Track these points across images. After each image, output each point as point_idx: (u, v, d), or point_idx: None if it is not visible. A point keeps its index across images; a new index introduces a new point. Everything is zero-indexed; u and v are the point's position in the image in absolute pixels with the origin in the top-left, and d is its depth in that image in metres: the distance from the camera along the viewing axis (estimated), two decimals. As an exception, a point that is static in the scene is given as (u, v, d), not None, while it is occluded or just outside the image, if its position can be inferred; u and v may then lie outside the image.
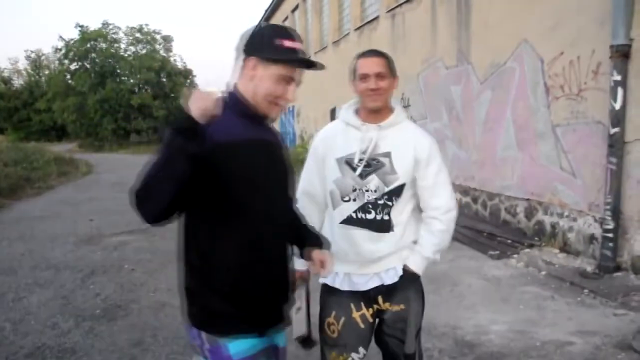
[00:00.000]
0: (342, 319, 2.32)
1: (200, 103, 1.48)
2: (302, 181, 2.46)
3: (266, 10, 27.00)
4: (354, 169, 2.29)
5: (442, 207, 2.33)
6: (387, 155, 2.29)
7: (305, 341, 2.25)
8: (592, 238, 6.00)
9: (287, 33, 1.73)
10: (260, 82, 1.70)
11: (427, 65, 9.90)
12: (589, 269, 5.71)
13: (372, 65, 2.26)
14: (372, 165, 2.28)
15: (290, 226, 1.94)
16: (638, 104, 5.38)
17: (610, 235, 5.55)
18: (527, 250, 6.51)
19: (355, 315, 2.31)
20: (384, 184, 2.27)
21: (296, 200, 2.45)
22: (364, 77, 2.26)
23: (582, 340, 4.04)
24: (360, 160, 2.28)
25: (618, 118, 5.48)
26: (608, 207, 5.57)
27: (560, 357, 3.79)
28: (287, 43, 1.70)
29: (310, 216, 2.40)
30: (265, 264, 1.75)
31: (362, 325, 2.32)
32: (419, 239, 2.36)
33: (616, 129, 5.49)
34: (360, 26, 13.83)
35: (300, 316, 2.26)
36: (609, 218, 5.55)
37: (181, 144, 1.44)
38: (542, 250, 6.48)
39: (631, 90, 5.44)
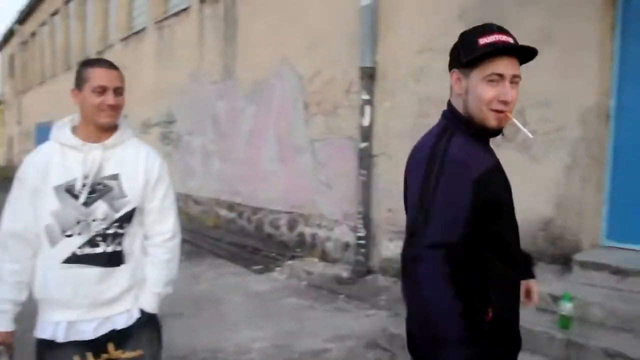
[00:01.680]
0: None
1: None
2: (6, 219, 2.02)
3: (20, 12, 24.24)
4: (77, 197, 1.97)
5: (167, 232, 2.14)
6: (115, 177, 2.03)
7: None
8: (347, 245, 6.37)
9: (486, 29, 1.54)
10: (468, 93, 1.55)
11: (194, 79, 9.72)
12: (345, 274, 6.02)
13: (111, 78, 2.00)
14: (98, 190, 2.00)
15: None
16: (382, 121, 5.89)
17: (363, 242, 5.95)
18: (289, 262, 6.65)
19: None
20: (113, 211, 2.01)
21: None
22: (101, 89, 1.97)
23: (337, 346, 4.17)
24: (84, 185, 1.98)
25: (366, 134, 5.93)
26: (360, 216, 5.96)
27: (317, 365, 3.86)
28: (482, 40, 1.51)
29: (19, 261, 1.98)
30: (517, 301, 1.68)
31: None
32: (147, 274, 2.13)
33: (365, 144, 5.93)
34: (127, 37, 13.09)
35: None
36: (361, 226, 5.95)
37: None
38: (304, 261, 6.67)
39: (376, 108, 5.94)
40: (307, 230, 7.02)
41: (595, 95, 4.30)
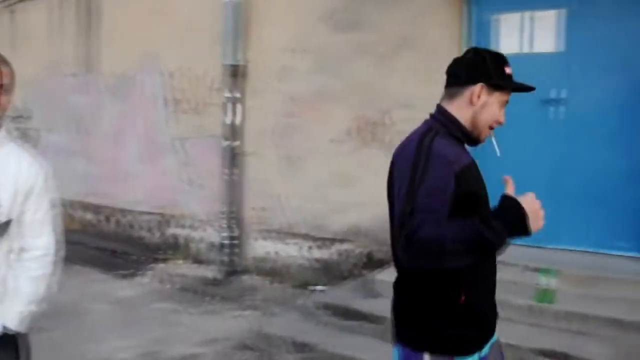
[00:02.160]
0: None
1: (540, 222, 1.51)
2: None
3: None
4: None
5: (39, 249, 2.02)
6: None
7: None
8: (213, 246, 6.33)
9: (505, 59, 1.78)
10: (484, 108, 1.73)
11: (50, 72, 9.00)
12: (212, 276, 5.98)
13: None
14: None
15: None
16: (247, 119, 5.91)
17: (230, 242, 5.96)
18: (154, 265, 6.46)
19: None
20: None
21: None
22: None
23: (206, 350, 4.15)
24: None
25: (231, 132, 5.92)
26: (226, 215, 5.95)
27: (187, 371, 3.81)
28: (508, 70, 1.76)
29: None
30: (491, 284, 1.82)
31: None
32: (11, 289, 1.98)
33: (229, 142, 5.91)
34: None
35: None
36: (227, 226, 5.96)
37: (502, 246, 1.50)
38: (170, 264, 6.52)
39: (241, 107, 5.93)
40: (172, 232, 6.87)
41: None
